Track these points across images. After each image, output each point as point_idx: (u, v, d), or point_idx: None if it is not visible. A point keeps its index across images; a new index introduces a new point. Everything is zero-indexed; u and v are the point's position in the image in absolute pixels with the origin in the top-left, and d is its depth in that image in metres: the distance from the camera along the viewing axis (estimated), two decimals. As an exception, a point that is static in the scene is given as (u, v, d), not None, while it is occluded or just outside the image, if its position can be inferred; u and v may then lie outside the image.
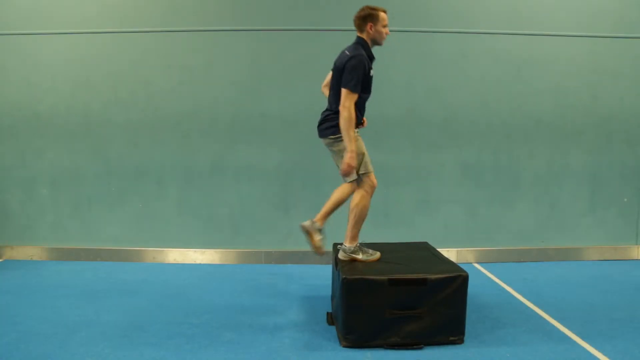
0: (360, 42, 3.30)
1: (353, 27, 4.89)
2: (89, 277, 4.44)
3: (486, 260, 5.01)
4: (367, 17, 3.25)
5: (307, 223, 3.37)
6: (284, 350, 2.97)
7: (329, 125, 3.31)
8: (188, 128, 4.89)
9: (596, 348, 2.99)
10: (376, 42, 3.33)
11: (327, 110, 3.39)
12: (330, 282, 3.92)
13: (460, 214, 5.00)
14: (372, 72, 3.29)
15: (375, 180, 3.34)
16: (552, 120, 4.98)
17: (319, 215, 3.39)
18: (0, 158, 4.95)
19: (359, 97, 3.21)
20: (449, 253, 4.86)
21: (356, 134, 3.30)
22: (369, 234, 4.86)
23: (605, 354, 2.91)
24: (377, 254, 3.37)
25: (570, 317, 3.48)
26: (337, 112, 3.21)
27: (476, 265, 4.92)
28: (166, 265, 4.87)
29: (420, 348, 2.99)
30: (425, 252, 3.59)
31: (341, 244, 3.54)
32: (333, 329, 3.28)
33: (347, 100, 3.12)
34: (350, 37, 4.78)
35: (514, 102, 4.94)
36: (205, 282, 4.34)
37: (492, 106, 4.94)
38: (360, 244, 3.40)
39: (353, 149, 3.15)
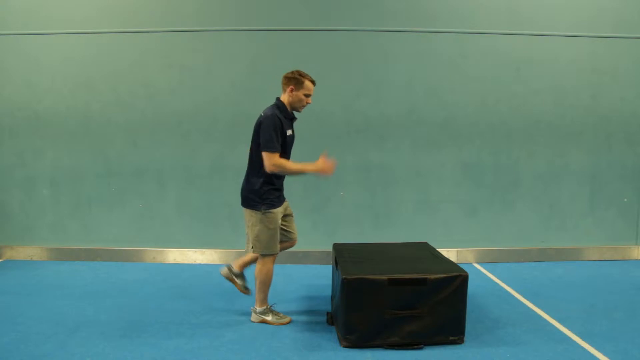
0: (277, 103, 3.30)
1: (353, 27, 4.92)
2: (89, 277, 4.44)
3: (486, 260, 5.01)
4: (291, 80, 3.24)
5: (253, 317, 3.43)
6: (284, 350, 2.97)
7: (245, 195, 3.34)
8: (188, 128, 4.89)
9: (596, 348, 2.99)
10: (294, 108, 3.32)
11: (248, 177, 3.36)
12: (330, 282, 3.92)
13: (460, 214, 5.01)
14: (290, 132, 3.28)
15: (277, 251, 3.35)
16: (552, 120, 4.98)
17: (257, 302, 3.41)
18: (0, 158, 4.95)
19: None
20: (449, 253, 4.87)
21: (272, 211, 3.26)
22: (369, 234, 4.90)
23: (605, 354, 2.91)
24: (287, 318, 3.41)
25: (570, 317, 3.48)
26: (251, 181, 3.27)
27: (476, 265, 4.92)
28: (166, 265, 4.87)
29: (420, 348, 2.99)
30: (425, 252, 3.59)
31: (342, 244, 3.55)
32: (333, 329, 3.28)
33: (270, 160, 3.13)
34: (350, 37, 4.82)
35: (514, 102, 4.94)
36: (205, 282, 4.34)
37: (492, 106, 4.94)
38: (270, 307, 3.44)
39: (313, 167, 3.21)
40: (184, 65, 4.85)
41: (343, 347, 3.01)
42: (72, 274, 4.55)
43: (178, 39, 4.82)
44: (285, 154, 3.29)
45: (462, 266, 3.20)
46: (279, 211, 3.31)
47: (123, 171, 4.92)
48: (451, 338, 3.04)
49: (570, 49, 4.92)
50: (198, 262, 4.97)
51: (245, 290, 3.57)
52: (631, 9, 4.92)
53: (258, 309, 3.40)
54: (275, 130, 3.13)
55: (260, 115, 3.26)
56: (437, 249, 3.69)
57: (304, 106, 3.32)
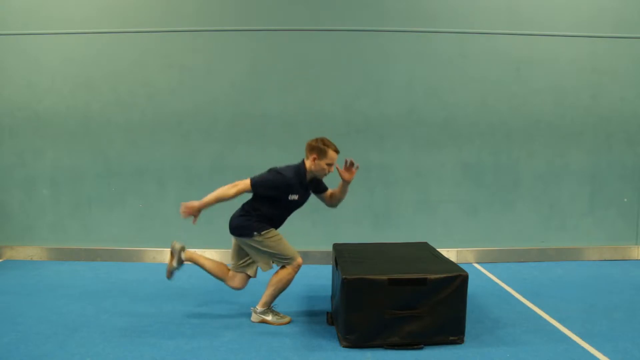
0: (300, 168, 3.32)
1: (353, 27, 4.92)
2: (89, 277, 4.44)
3: (486, 260, 5.01)
4: (314, 149, 3.27)
5: (253, 317, 3.42)
6: (284, 350, 2.97)
7: (239, 224, 3.36)
8: (188, 128, 4.89)
9: (596, 348, 2.99)
10: (315, 175, 3.34)
11: (242, 207, 3.42)
12: (330, 282, 3.92)
13: (460, 214, 5.00)
14: (295, 197, 3.29)
15: (300, 260, 3.36)
16: (552, 120, 4.98)
17: (261, 302, 3.41)
18: (0, 158, 4.95)
19: (280, 210, 3.31)
20: (449, 253, 4.87)
21: (268, 229, 3.32)
22: (369, 234, 4.89)
23: (605, 354, 2.91)
24: (287, 318, 3.40)
25: (570, 317, 3.48)
26: (248, 212, 3.32)
27: (476, 265, 4.92)
28: (166, 265, 4.86)
29: (420, 348, 2.99)
30: (425, 252, 3.59)
31: (342, 244, 3.55)
32: (333, 329, 3.28)
33: (240, 185, 3.22)
34: (350, 37, 4.82)
35: (514, 102, 4.94)
36: (205, 282, 4.33)
37: (492, 106, 4.94)
38: (272, 307, 3.43)
39: (202, 203, 3.32)
40: (184, 65, 4.85)
41: (343, 347, 3.01)
42: (72, 274, 4.55)
43: (178, 39, 4.82)
44: (281, 215, 3.38)
45: (462, 266, 3.20)
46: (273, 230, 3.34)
47: (123, 171, 4.92)
48: (451, 338, 3.04)
49: (570, 49, 4.92)
50: (198, 262, 4.97)
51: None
52: (631, 9, 4.92)
53: (259, 309, 3.40)
54: (271, 184, 3.21)
55: (278, 168, 3.31)
56: (437, 249, 3.68)
57: (325, 175, 3.34)
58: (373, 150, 4.92)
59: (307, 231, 4.89)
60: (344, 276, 2.98)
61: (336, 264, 3.37)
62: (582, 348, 3.00)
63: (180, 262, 3.56)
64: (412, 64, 4.87)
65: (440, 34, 4.85)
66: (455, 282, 2.99)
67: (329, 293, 3.89)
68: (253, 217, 3.30)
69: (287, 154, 4.90)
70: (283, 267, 3.35)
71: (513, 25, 4.87)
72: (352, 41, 4.86)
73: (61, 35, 4.81)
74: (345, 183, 3.38)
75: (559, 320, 3.43)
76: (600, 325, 3.36)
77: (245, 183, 3.22)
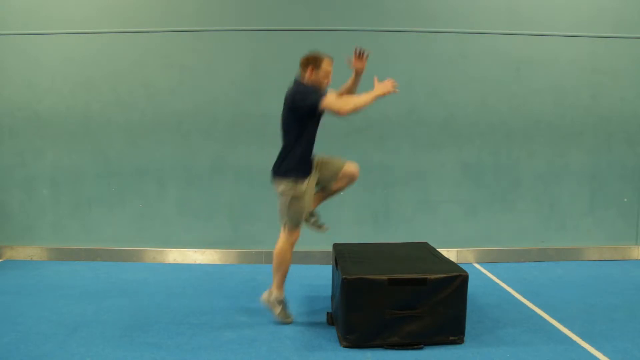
0: (297, 82, 3.31)
1: (353, 28, 4.92)
2: (89, 277, 4.44)
3: (486, 260, 5.01)
4: (309, 61, 3.27)
5: (264, 295, 3.42)
6: (284, 350, 2.97)
7: (281, 165, 3.31)
8: (188, 128, 4.89)
9: (596, 348, 2.99)
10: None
11: (282, 151, 3.36)
12: (330, 282, 3.92)
13: (460, 214, 5.00)
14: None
15: (298, 234, 3.35)
16: (552, 120, 4.98)
17: (274, 286, 3.40)
18: (0, 158, 4.95)
19: (311, 130, 3.25)
20: (449, 253, 4.87)
21: (305, 181, 3.28)
22: (369, 234, 4.89)
23: (605, 354, 2.91)
24: (290, 319, 3.38)
25: (570, 317, 3.48)
26: (291, 151, 3.26)
27: (476, 265, 4.92)
28: (166, 265, 4.87)
29: (420, 348, 2.99)
30: (425, 252, 3.59)
31: (342, 244, 3.55)
32: (333, 329, 3.28)
33: (335, 103, 3.09)
34: (350, 37, 4.82)
35: (514, 102, 4.94)
36: (205, 282, 4.34)
37: (492, 106, 4.94)
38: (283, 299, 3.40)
39: (374, 94, 3.14)
40: (184, 65, 4.85)
41: (343, 347, 3.01)
42: (72, 274, 4.55)
43: (178, 39, 4.82)
44: (315, 131, 3.32)
45: (462, 266, 3.20)
46: (307, 182, 3.29)
47: (123, 171, 4.92)
48: (451, 338, 3.04)
49: (570, 49, 4.92)
50: (198, 262, 4.97)
51: (321, 227, 3.47)
52: (631, 9, 4.92)
53: (274, 294, 3.36)
54: (314, 89, 3.15)
55: (288, 91, 3.26)
56: (437, 249, 3.69)
57: (325, 85, 3.31)
58: (373, 150, 4.92)
59: (307, 231, 4.86)
60: (344, 276, 2.98)
61: (336, 264, 3.37)
62: (582, 348, 3.00)
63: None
64: (412, 64, 4.87)
65: (440, 34, 4.85)
66: (456, 282, 2.99)
67: (329, 293, 3.89)
68: (296, 161, 3.25)
69: (287, 154, 4.92)
70: (282, 233, 3.33)
71: (513, 25, 4.87)
72: (352, 41, 4.83)
73: (61, 35, 4.81)
74: (358, 74, 3.37)
75: (559, 320, 3.43)
76: (600, 325, 3.36)
77: (328, 100, 3.10)
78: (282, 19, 4.81)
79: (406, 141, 4.95)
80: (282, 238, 3.37)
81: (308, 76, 3.26)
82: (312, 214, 3.50)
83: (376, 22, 4.82)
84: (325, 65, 3.27)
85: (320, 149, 4.97)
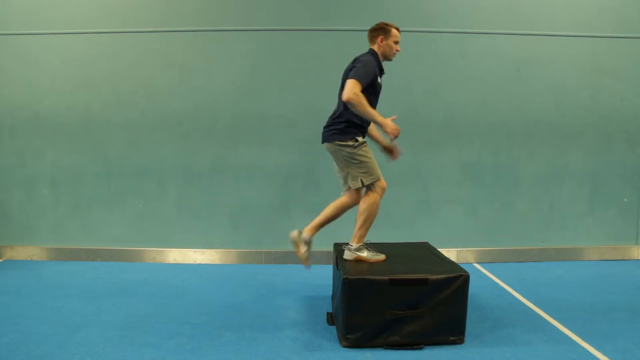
0: (371, 52, 3.39)
1: (353, 27, 4.92)
2: (89, 277, 4.44)
3: (486, 260, 5.01)
4: (379, 30, 3.38)
5: (294, 233, 3.42)
6: (284, 350, 2.97)
7: (334, 130, 3.33)
8: (188, 128, 4.89)
9: (596, 348, 2.99)
10: (386, 57, 3.42)
11: (333, 115, 3.40)
12: (330, 282, 3.92)
13: (460, 214, 5.01)
14: (380, 81, 3.35)
15: (384, 183, 3.36)
16: (552, 120, 4.98)
17: (308, 227, 3.42)
18: (0, 158, 4.95)
19: (367, 99, 3.21)
20: (449, 253, 4.86)
21: (363, 140, 3.34)
22: (370, 234, 4.86)
23: (605, 354, 2.91)
24: (382, 256, 3.37)
25: (570, 317, 3.48)
26: (341, 116, 3.28)
27: (476, 265, 4.92)
28: (166, 265, 4.87)
29: (421, 348, 2.99)
30: (425, 252, 3.59)
31: (342, 244, 3.54)
32: (333, 329, 3.28)
33: (354, 88, 3.12)
34: (350, 37, 4.82)
35: (514, 102, 4.94)
36: (205, 282, 4.34)
37: (492, 106, 4.94)
38: (366, 243, 3.40)
39: (382, 119, 3.18)
40: (184, 65, 4.84)
41: (343, 347, 3.01)
42: (72, 274, 4.55)
43: (178, 39, 4.82)
44: (373, 102, 3.34)
45: (462, 266, 3.20)
46: (364, 141, 3.34)
47: (123, 171, 4.92)
48: (451, 338, 3.04)
49: (570, 49, 4.92)
50: (198, 262, 4.97)
51: (305, 261, 3.45)
52: (631, 9, 4.92)
53: (353, 245, 3.35)
54: (368, 67, 3.19)
55: (356, 59, 3.30)
56: (438, 249, 3.69)
57: (394, 54, 3.41)
58: (373, 150, 4.90)
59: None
60: (345, 276, 2.99)
61: (337, 263, 3.37)
62: (582, 348, 3.01)
63: (307, 243, 3.43)
64: (412, 64, 4.87)
65: (440, 34, 4.85)
66: (457, 282, 3.00)
67: (329, 293, 3.89)
68: (345, 124, 3.29)
69: (287, 154, 4.93)
70: (369, 191, 3.31)
71: (513, 25, 4.87)
72: (352, 41, 4.84)
73: (61, 35, 4.81)
74: (383, 147, 3.55)
75: (559, 320, 3.43)
76: (600, 325, 3.36)
77: (355, 84, 3.13)
78: (282, 19, 4.81)
79: (406, 141, 4.93)
80: (369, 195, 3.30)
81: (378, 45, 3.37)
82: (307, 243, 3.45)
83: (376, 22, 4.80)
84: (394, 34, 3.38)
85: (320, 149, 4.96)
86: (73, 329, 3.26)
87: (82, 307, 3.66)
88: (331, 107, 4.85)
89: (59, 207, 4.98)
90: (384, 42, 3.36)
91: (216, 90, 4.86)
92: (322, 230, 4.97)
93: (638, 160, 5.07)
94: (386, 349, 2.98)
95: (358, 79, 3.15)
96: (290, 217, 4.86)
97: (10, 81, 4.88)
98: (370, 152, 3.35)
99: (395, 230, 4.92)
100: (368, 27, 4.81)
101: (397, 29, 3.39)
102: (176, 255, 4.97)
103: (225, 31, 4.81)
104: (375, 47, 3.39)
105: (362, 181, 3.28)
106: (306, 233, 3.41)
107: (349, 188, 3.41)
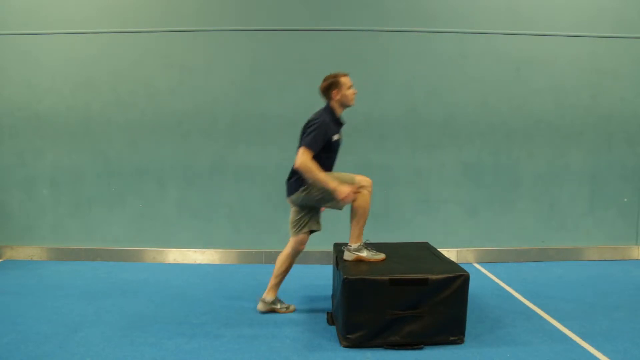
0: (326, 109, 3.38)
1: (353, 27, 4.92)
2: (89, 277, 4.44)
3: (486, 260, 5.01)
4: (331, 86, 3.35)
5: (260, 306, 3.50)
6: (284, 350, 2.97)
7: (296, 179, 3.35)
8: (188, 128, 4.89)
9: (596, 348, 2.99)
10: (346, 105, 3.40)
11: (293, 168, 3.38)
12: (330, 281, 3.92)
13: (460, 214, 5.01)
14: (337, 137, 3.35)
15: (365, 179, 3.33)
16: (552, 120, 4.98)
17: (267, 291, 3.50)
18: (0, 158, 4.95)
19: (324, 158, 3.29)
20: (449, 253, 4.87)
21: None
22: (369, 234, 4.86)
23: (605, 354, 2.91)
24: (382, 255, 3.38)
25: (570, 317, 3.48)
26: (296, 176, 3.33)
27: (476, 265, 4.92)
28: (166, 265, 4.87)
29: (421, 348, 2.99)
30: (425, 252, 3.59)
31: (342, 244, 3.54)
32: (333, 329, 3.28)
33: (302, 156, 3.18)
34: (350, 37, 4.83)
35: (514, 102, 4.94)
36: (205, 282, 4.34)
37: (492, 106, 4.94)
38: (365, 243, 3.41)
39: (334, 185, 3.16)
40: (184, 65, 4.85)
41: (343, 347, 3.01)
42: (72, 274, 4.55)
43: (178, 39, 4.82)
44: (330, 158, 3.39)
45: (462, 266, 3.20)
46: None
47: (123, 171, 4.92)
48: (451, 338, 3.04)
49: (570, 49, 4.93)
50: (198, 262, 4.97)
51: (288, 309, 3.58)
52: (631, 9, 4.92)
53: (353, 246, 3.35)
54: (320, 132, 3.20)
55: (311, 117, 3.34)
56: (438, 249, 3.68)
57: (353, 99, 3.40)
58: (373, 150, 4.93)
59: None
60: (345, 276, 2.99)
61: (337, 263, 3.37)
62: (582, 348, 3.01)
63: (276, 301, 3.57)
64: (412, 64, 4.87)
65: (440, 34, 4.85)
66: (457, 282, 2.99)
67: (329, 293, 3.89)
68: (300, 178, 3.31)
69: (287, 154, 4.90)
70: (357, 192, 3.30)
71: (513, 25, 4.87)
72: (352, 41, 4.86)
73: (61, 35, 4.81)
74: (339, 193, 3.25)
75: (559, 320, 3.43)
76: (600, 325, 3.36)
77: (305, 152, 3.17)
78: (282, 19, 4.81)
79: (406, 141, 4.95)
80: (362, 194, 3.28)
81: (334, 100, 3.35)
82: (276, 301, 3.54)
83: (376, 22, 4.83)
84: (344, 81, 3.35)
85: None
86: (73, 329, 3.26)
87: (82, 307, 3.66)
88: (331, 107, 4.88)
89: (59, 207, 4.98)
90: (339, 95, 3.33)
91: (216, 90, 4.86)
92: (321, 230, 4.98)
93: (638, 160, 5.07)
94: (386, 349, 2.98)
95: (309, 147, 3.19)
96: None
97: (10, 81, 4.88)
98: (332, 175, 3.31)
99: (395, 230, 4.92)
100: (368, 27, 4.87)
101: (346, 75, 3.37)
102: (176, 255, 4.97)
103: (225, 31, 4.82)
104: (331, 103, 3.37)
105: (342, 201, 3.26)
106: (268, 296, 3.48)
107: (298, 232, 3.49)
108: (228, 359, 2.86)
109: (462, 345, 3.03)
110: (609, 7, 4.91)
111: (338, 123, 3.40)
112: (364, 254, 3.35)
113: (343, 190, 3.15)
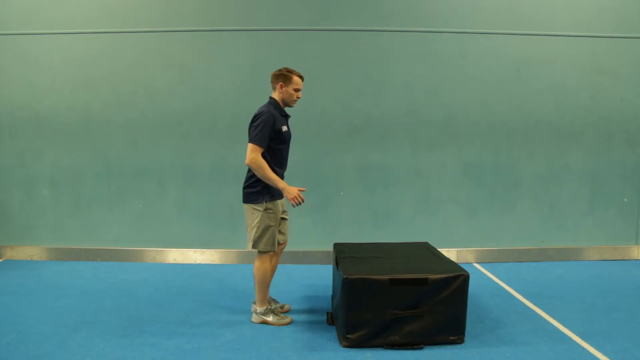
0: (271, 101, 3.35)
1: (353, 27, 4.92)
2: (89, 277, 4.44)
3: (486, 260, 5.01)
4: (279, 77, 3.32)
5: (254, 317, 3.44)
6: (284, 350, 2.97)
7: (249, 191, 3.32)
8: (188, 128, 4.89)
9: (596, 348, 2.99)
10: (286, 104, 3.37)
11: (247, 173, 3.37)
12: (330, 282, 3.92)
13: (460, 214, 5.01)
14: (285, 128, 3.31)
15: (282, 245, 3.41)
16: (552, 120, 4.98)
17: (257, 304, 3.43)
18: (0, 158, 4.95)
19: (276, 150, 3.26)
20: (449, 253, 4.87)
21: (272, 204, 3.30)
22: (369, 234, 4.90)
23: (605, 354, 2.91)
24: (288, 318, 3.40)
25: (570, 317, 3.48)
26: (254, 176, 3.26)
27: (476, 265, 4.92)
28: (166, 265, 4.87)
29: (420, 348, 2.99)
30: (426, 251, 3.59)
31: (342, 244, 3.55)
32: (333, 329, 3.28)
33: (252, 153, 3.15)
34: (350, 37, 4.83)
35: (514, 102, 4.94)
36: (205, 282, 4.34)
37: (492, 106, 4.94)
38: (272, 306, 3.47)
39: (283, 185, 3.17)
40: (184, 65, 4.85)
41: (343, 347, 3.01)
42: (72, 274, 4.55)
43: (178, 39, 4.82)
44: (284, 149, 3.34)
45: (462, 266, 3.20)
46: (279, 208, 3.33)
47: (123, 171, 4.92)
48: (451, 338, 3.04)
49: (570, 49, 4.93)
50: (198, 262, 4.97)
51: (282, 308, 3.59)
52: (631, 9, 4.92)
53: (259, 309, 3.40)
54: (266, 126, 3.16)
55: (255, 115, 3.28)
56: (438, 249, 3.68)
57: (294, 101, 3.37)
58: (373, 150, 4.93)
59: (307, 231, 4.90)
60: (345, 276, 2.98)
61: (337, 263, 3.37)
62: (582, 348, 3.01)
63: (269, 311, 3.46)
64: (412, 64, 4.87)
65: (440, 34, 4.85)
66: (457, 282, 2.99)
67: (329, 293, 3.89)
68: (260, 184, 3.26)
69: (287, 154, 4.92)
70: (260, 255, 3.33)
71: (513, 25, 4.87)
72: (352, 41, 4.86)
73: (61, 35, 4.81)
74: (287, 193, 3.23)
75: (559, 320, 3.43)
76: (600, 325, 3.36)
77: (254, 148, 3.15)
78: (282, 19, 4.81)
79: (406, 141, 4.95)
80: (259, 260, 3.34)
81: (278, 92, 3.32)
82: (269, 311, 3.46)
83: (376, 22, 4.83)
84: (295, 81, 3.31)
85: (321, 149, 4.99)
86: (73, 329, 3.26)
87: (82, 307, 3.66)
88: (330, 107, 4.89)
89: (59, 207, 4.98)
90: (283, 89, 3.29)
91: (216, 90, 4.86)
92: (321, 230, 4.98)
93: (638, 160, 5.07)
94: (386, 348, 2.98)
95: (257, 142, 3.15)
96: (290, 217, 4.84)
97: (10, 81, 4.88)
98: (276, 220, 3.31)
99: (395, 230, 4.92)
100: (368, 27, 4.87)
101: (300, 77, 3.34)
102: (176, 255, 4.97)
103: (225, 31, 4.82)
104: (274, 95, 3.34)
105: (254, 244, 3.28)
106: (259, 307, 3.42)
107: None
108: (228, 359, 2.86)
109: (462, 345, 3.04)
110: (609, 7, 4.91)
111: (283, 115, 3.35)
112: (270, 318, 3.38)
113: (291, 191, 3.16)
